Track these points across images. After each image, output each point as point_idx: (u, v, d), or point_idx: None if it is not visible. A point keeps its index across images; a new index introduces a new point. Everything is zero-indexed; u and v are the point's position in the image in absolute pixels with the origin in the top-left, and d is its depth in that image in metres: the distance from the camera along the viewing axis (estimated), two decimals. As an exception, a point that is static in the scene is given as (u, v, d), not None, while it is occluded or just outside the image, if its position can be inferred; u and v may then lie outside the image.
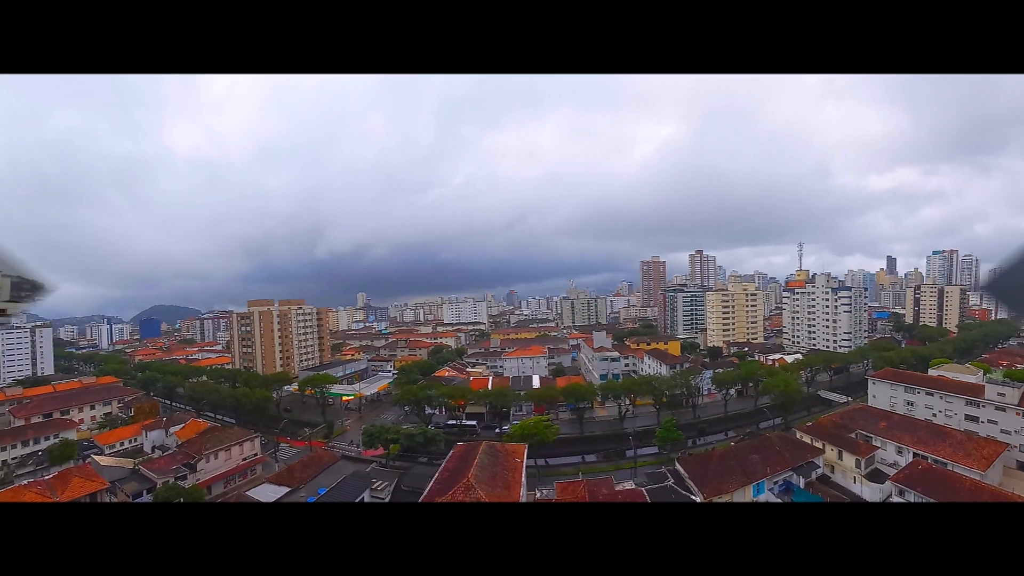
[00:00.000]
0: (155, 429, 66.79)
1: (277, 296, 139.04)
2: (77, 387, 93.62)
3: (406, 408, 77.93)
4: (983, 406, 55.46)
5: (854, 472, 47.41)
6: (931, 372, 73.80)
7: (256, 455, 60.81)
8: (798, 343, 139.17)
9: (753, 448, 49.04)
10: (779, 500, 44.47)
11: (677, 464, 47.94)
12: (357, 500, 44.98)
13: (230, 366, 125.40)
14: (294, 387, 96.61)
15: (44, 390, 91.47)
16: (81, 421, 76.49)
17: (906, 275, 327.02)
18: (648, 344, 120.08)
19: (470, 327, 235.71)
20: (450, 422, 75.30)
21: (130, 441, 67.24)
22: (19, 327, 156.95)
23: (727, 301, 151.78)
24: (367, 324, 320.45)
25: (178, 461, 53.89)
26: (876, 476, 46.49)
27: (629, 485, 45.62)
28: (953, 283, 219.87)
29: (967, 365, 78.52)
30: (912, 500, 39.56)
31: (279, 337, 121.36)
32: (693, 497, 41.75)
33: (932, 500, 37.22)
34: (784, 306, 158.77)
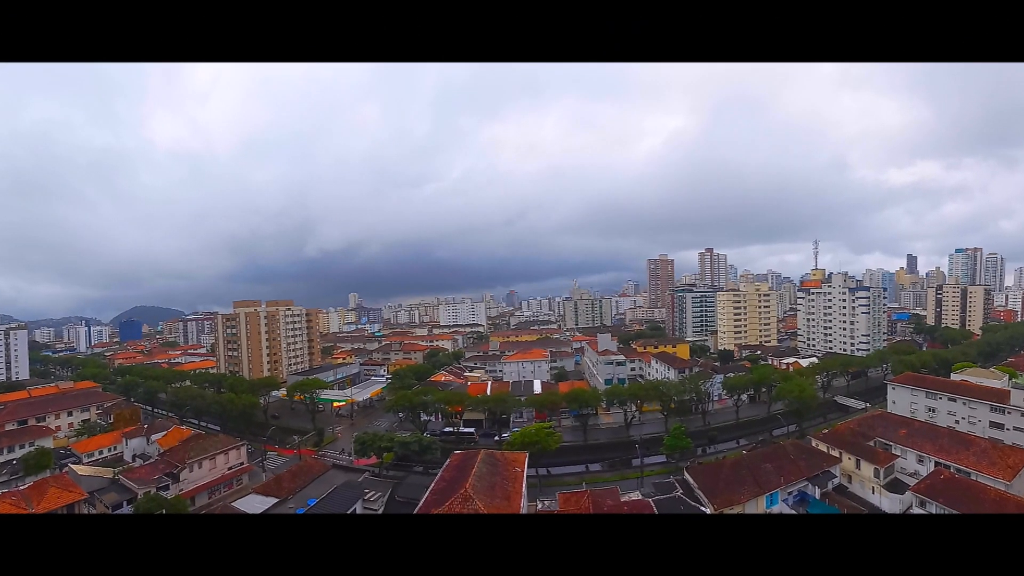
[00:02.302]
0: (136, 437, 66.76)
1: (264, 296, 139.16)
2: (54, 392, 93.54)
3: (400, 415, 77.88)
4: (1009, 412, 55.44)
5: (872, 482, 47.40)
6: (954, 377, 73.77)
7: (242, 464, 60.81)
8: (813, 346, 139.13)
9: (766, 457, 49.03)
10: (793, 512, 44.46)
11: (686, 474, 47.94)
12: (348, 512, 44.96)
13: (215, 370, 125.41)
14: (282, 392, 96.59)
15: (19, 396, 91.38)
16: (58, 428, 76.44)
17: (927, 274, 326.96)
18: (655, 347, 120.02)
19: (468, 329, 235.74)
20: (447, 429, 75.28)
21: (109, 449, 67.21)
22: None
23: (739, 302, 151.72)
24: (359, 326, 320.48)
25: (160, 470, 53.88)
26: (896, 486, 46.48)
27: (635, 496, 45.63)
28: (977, 283, 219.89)
29: (992, 369, 78.50)
30: (934, 511, 39.55)
31: (267, 340, 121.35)
32: (703, 508, 41.74)
33: (955, 512, 37.21)
34: (799, 307, 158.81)
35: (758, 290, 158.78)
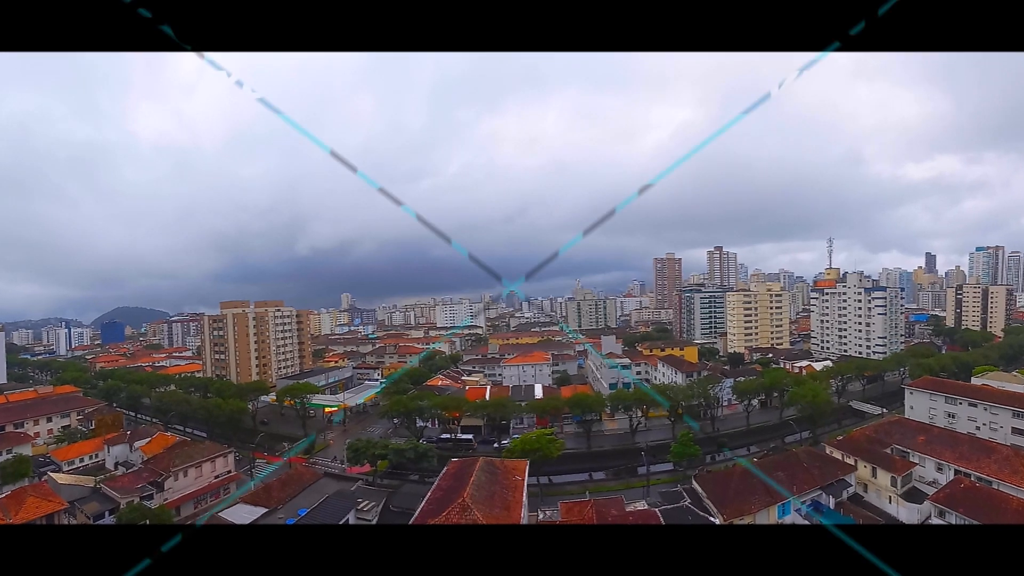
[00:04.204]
0: (118, 444, 66.75)
1: (253, 297, 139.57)
2: (32, 397, 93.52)
3: (395, 420, 77.88)
4: (1032, 418, 55.46)
5: (889, 491, 47.40)
6: (974, 381, 73.80)
7: (230, 472, 60.82)
8: (828, 349, 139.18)
9: (778, 464, 49.05)
10: (807, 522, 44.45)
11: (694, 482, 47.94)
12: (341, 522, 44.98)
13: (201, 374, 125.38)
14: (272, 397, 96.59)
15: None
16: (36, 435, 76.43)
17: (947, 274, 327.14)
18: (662, 350, 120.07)
19: (466, 331, 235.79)
20: (444, 436, 75.28)
21: (91, 457, 67.20)
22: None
23: (749, 302, 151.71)
24: (352, 328, 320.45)
25: (144, 479, 53.88)
26: (914, 495, 46.48)
27: (641, 505, 45.66)
28: (998, 282, 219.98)
29: (1014, 373, 78.50)
30: (954, 522, 39.54)
31: (255, 342, 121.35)
32: (712, 519, 41.74)
33: (975, 522, 37.20)
34: (812, 308, 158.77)
35: (769, 290, 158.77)
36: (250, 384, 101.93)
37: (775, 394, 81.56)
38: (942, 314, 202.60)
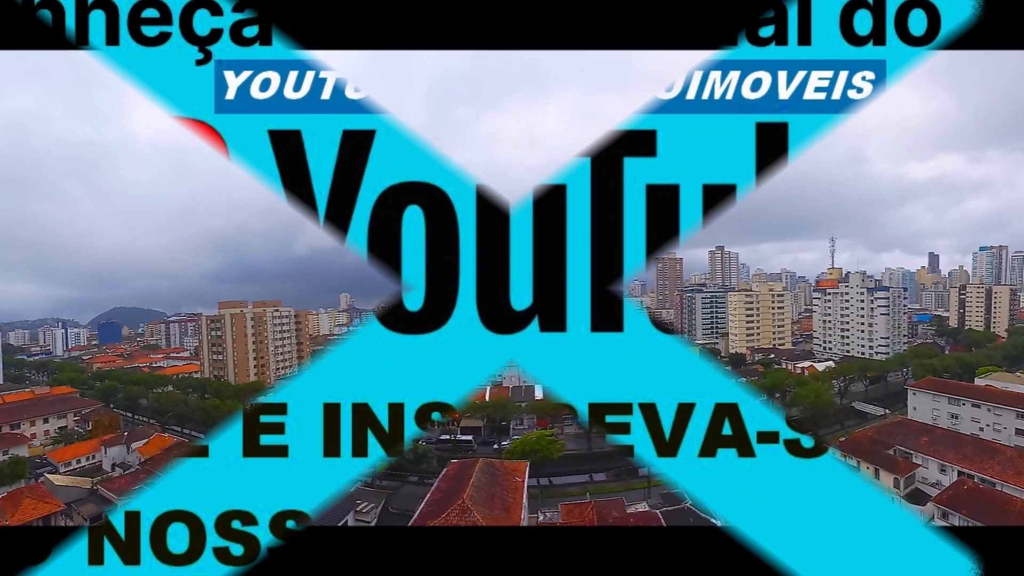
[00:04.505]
0: (115, 445, 66.73)
1: (251, 297, 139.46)
2: (28, 398, 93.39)
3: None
4: (1036, 419, 55.46)
5: (892, 492, 47.41)
6: (978, 381, 73.77)
7: (228, 474, 60.81)
8: (830, 349, 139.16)
9: (780, 466, 49.00)
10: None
11: (695, 484, 47.92)
12: (339, 524, 44.94)
13: (199, 375, 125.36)
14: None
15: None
16: (33, 436, 76.35)
17: (950, 274, 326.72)
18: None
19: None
20: (443, 437, 75.23)
21: (87, 458, 67.12)
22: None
23: (751, 302, 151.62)
24: (351, 328, 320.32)
25: (141, 480, 53.81)
26: (917, 497, 46.47)
27: (642, 507, 45.63)
28: (1002, 282, 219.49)
29: (1018, 374, 78.45)
30: (957, 524, 39.53)
31: (253, 343, 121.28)
32: (713, 520, 41.71)
33: (979, 524, 37.18)
34: (814, 308, 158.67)
35: (771, 290, 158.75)
36: (248, 385, 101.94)
37: (777, 395, 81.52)
38: (945, 314, 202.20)
